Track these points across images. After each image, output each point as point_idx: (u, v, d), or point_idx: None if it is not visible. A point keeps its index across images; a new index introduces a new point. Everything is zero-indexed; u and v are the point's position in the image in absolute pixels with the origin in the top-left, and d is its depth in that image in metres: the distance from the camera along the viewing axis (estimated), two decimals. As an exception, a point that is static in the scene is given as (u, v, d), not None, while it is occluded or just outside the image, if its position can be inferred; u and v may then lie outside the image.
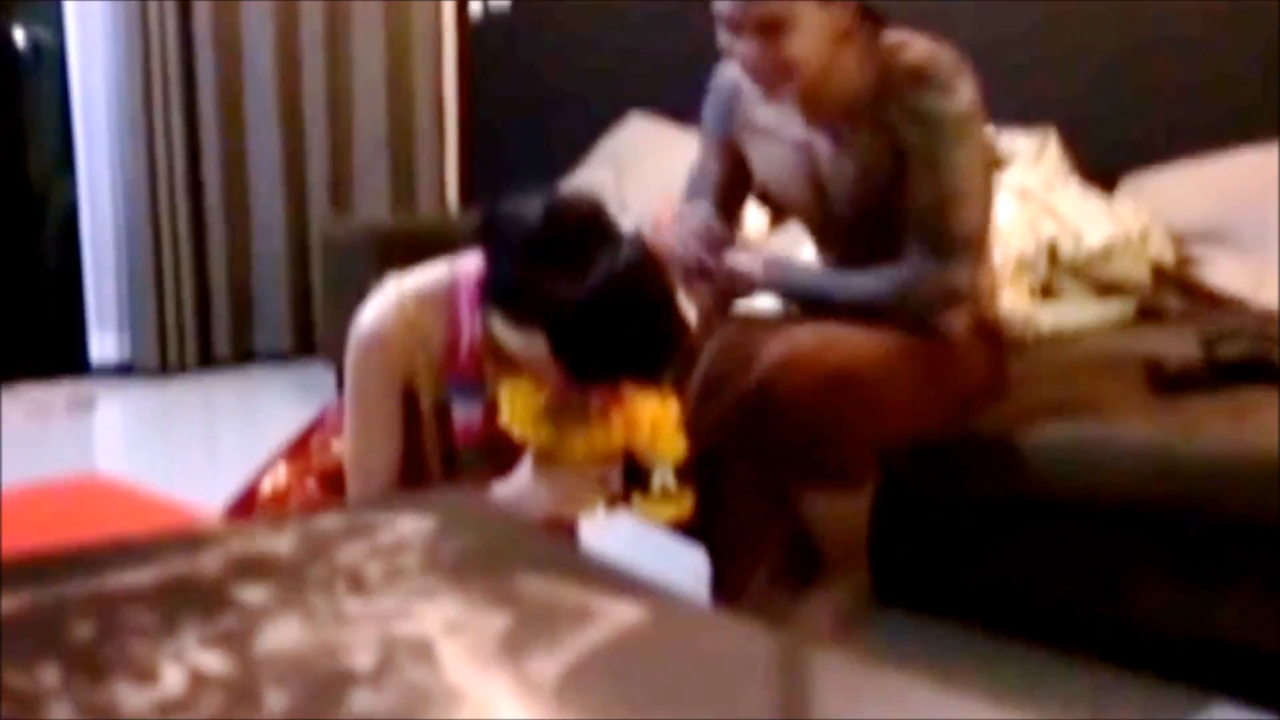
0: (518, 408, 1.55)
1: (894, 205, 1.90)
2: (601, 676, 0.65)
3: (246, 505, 1.84)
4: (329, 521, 0.86)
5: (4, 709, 0.59)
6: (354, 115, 4.52)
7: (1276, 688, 1.81)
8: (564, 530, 1.80)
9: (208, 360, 4.30)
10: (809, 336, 1.86)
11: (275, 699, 0.61)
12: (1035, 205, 2.71)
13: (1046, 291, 2.63)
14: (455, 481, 1.71)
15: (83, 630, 0.67)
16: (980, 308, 2.01)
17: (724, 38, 1.87)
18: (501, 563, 0.80)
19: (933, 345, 1.92)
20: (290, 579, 0.75)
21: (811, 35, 1.80)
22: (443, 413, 1.69)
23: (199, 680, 0.62)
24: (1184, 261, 2.74)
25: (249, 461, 1.91)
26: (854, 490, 1.86)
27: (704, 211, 2.04)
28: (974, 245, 1.91)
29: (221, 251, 4.29)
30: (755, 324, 2.03)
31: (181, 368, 4.20)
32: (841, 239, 2.03)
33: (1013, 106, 2.72)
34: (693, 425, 1.67)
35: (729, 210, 2.11)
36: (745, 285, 2.00)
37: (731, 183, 2.10)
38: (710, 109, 2.11)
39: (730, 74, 2.04)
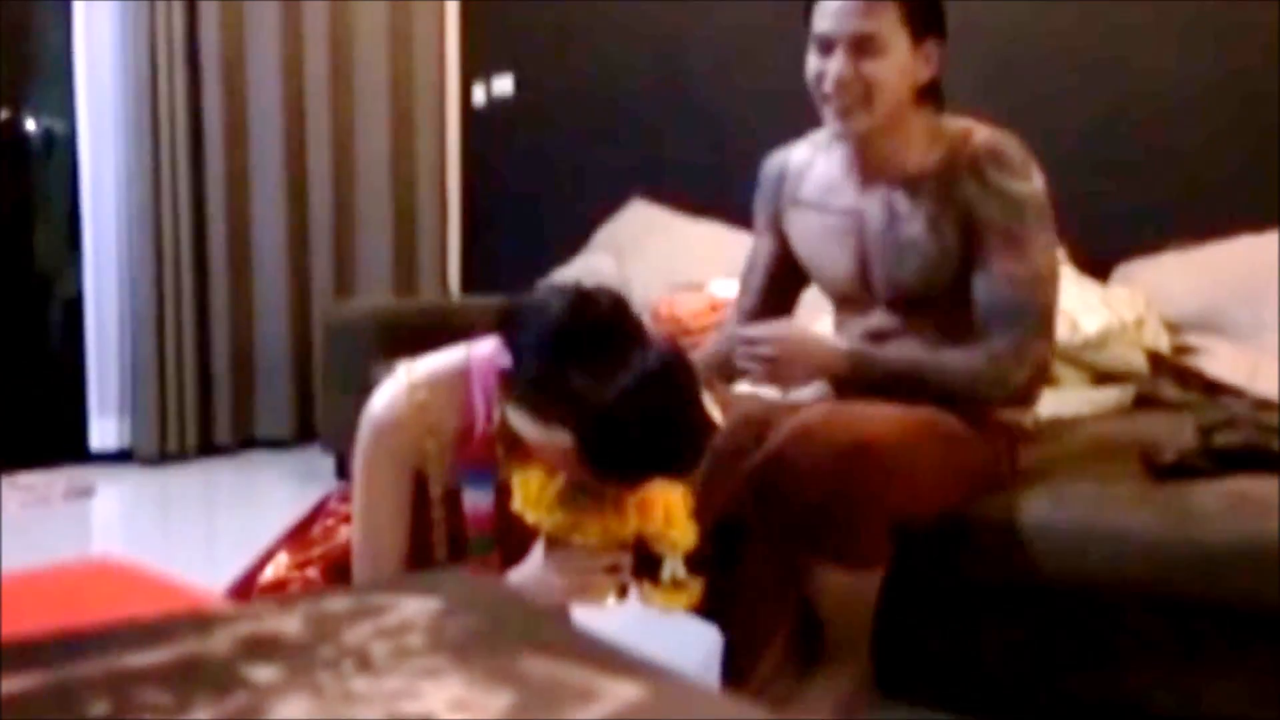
0: (531, 494, 1.55)
1: (944, 279, 1.95)
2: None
3: (244, 593, 1.83)
4: (336, 602, 0.87)
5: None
6: (357, 200, 4.59)
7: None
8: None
9: (208, 447, 4.30)
10: (826, 409, 1.88)
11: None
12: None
13: (1043, 379, 2.66)
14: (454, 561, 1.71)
15: (97, 709, 0.68)
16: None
17: (813, 62, 1.96)
18: (506, 642, 0.81)
19: (952, 428, 1.94)
20: (299, 659, 0.76)
21: (896, 66, 1.91)
22: (452, 499, 1.69)
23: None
24: (1180, 349, 2.76)
25: (247, 548, 1.90)
26: (865, 569, 1.85)
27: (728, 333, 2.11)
28: (1053, 324, 1.96)
29: (225, 338, 4.32)
30: (772, 401, 2.05)
31: (181, 455, 4.21)
32: (877, 310, 2.05)
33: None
34: (706, 497, 1.69)
35: (782, 292, 2.19)
36: (823, 376, 2.01)
37: (783, 264, 2.18)
38: (760, 197, 2.20)
39: (777, 159, 2.16)
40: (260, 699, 0.70)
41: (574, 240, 4.12)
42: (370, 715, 0.68)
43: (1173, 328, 2.80)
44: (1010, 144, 1.95)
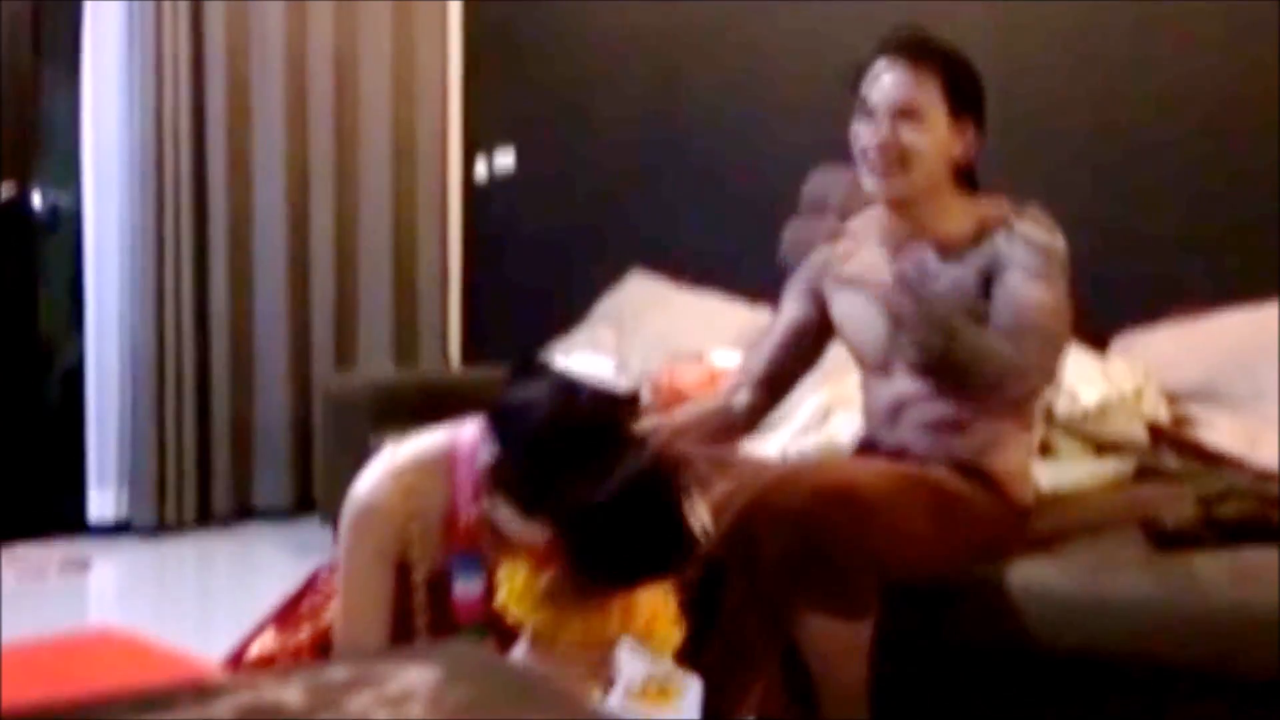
0: (515, 590, 1.55)
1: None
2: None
3: (235, 667, 1.81)
4: (336, 672, 0.87)
5: None
6: (359, 271, 4.62)
7: None
8: None
9: (206, 518, 4.28)
10: (815, 462, 1.89)
11: None
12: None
13: (1044, 450, 2.65)
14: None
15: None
16: (997, 464, 2.07)
17: (857, 126, 2.08)
18: (504, 712, 0.81)
19: (951, 491, 1.97)
20: (300, 729, 0.76)
21: (934, 136, 2.03)
22: (437, 585, 1.68)
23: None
24: (1179, 420, 2.76)
25: (244, 620, 1.89)
26: (851, 619, 1.84)
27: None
28: (1062, 355, 2.01)
29: (224, 408, 4.32)
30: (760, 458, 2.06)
31: (179, 525, 4.19)
32: (902, 375, 2.10)
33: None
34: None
35: (792, 359, 2.28)
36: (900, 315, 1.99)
37: (802, 332, 2.27)
38: (800, 273, 2.28)
39: (821, 254, 2.22)
40: (261, 769, 0.70)
41: (574, 312, 4.14)
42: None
43: (1172, 399, 2.80)
44: (1039, 209, 2.08)
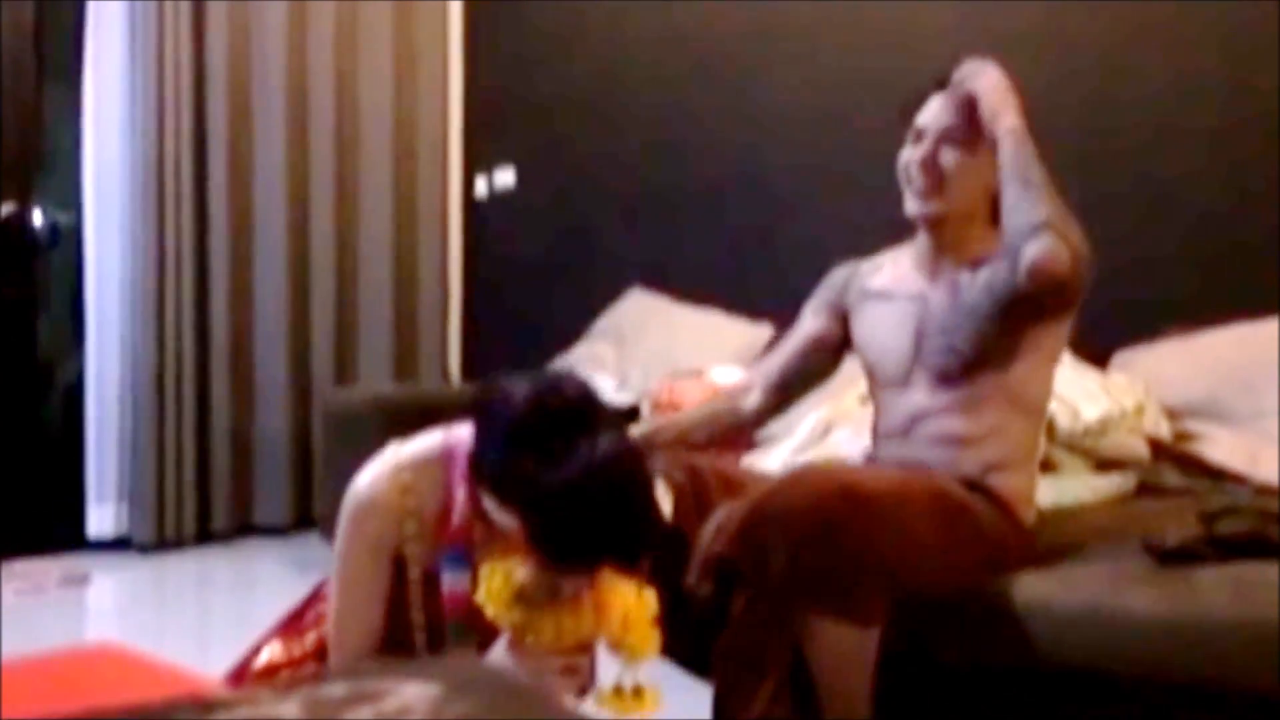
0: (492, 588, 1.55)
1: (992, 342, 2.07)
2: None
3: (239, 680, 1.82)
4: (335, 688, 0.87)
5: None
6: (359, 288, 4.62)
7: None
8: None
9: (205, 534, 4.28)
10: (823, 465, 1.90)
11: None
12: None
13: (1045, 467, 2.65)
14: (438, 653, 1.70)
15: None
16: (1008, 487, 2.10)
17: (906, 152, 2.17)
18: (507, 729, 0.81)
19: (961, 503, 1.99)
20: (298, 744, 0.75)
21: (973, 163, 2.11)
22: (431, 583, 1.70)
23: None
24: (1180, 436, 2.76)
25: (243, 636, 1.89)
26: (858, 624, 1.84)
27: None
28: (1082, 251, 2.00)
29: (224, 425, 4.32)
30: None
31: (179, 541, 4.18)
32: (921, 389, 2.14)
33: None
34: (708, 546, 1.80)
35: (804, 370, 2.32)
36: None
37: (817, 347, 2.32)
38: (823, 289, 2.36)
39: (849, 265, 2.35)
40: (259, 784, 0.69)
41: (574, 329, 4.14)
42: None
43: (1172, 414, 2.80)
44: None
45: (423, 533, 1.68)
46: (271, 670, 1.79)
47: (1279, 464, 2.55)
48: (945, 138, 2.13)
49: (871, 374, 2.28)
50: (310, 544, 4.02)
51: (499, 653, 1.60)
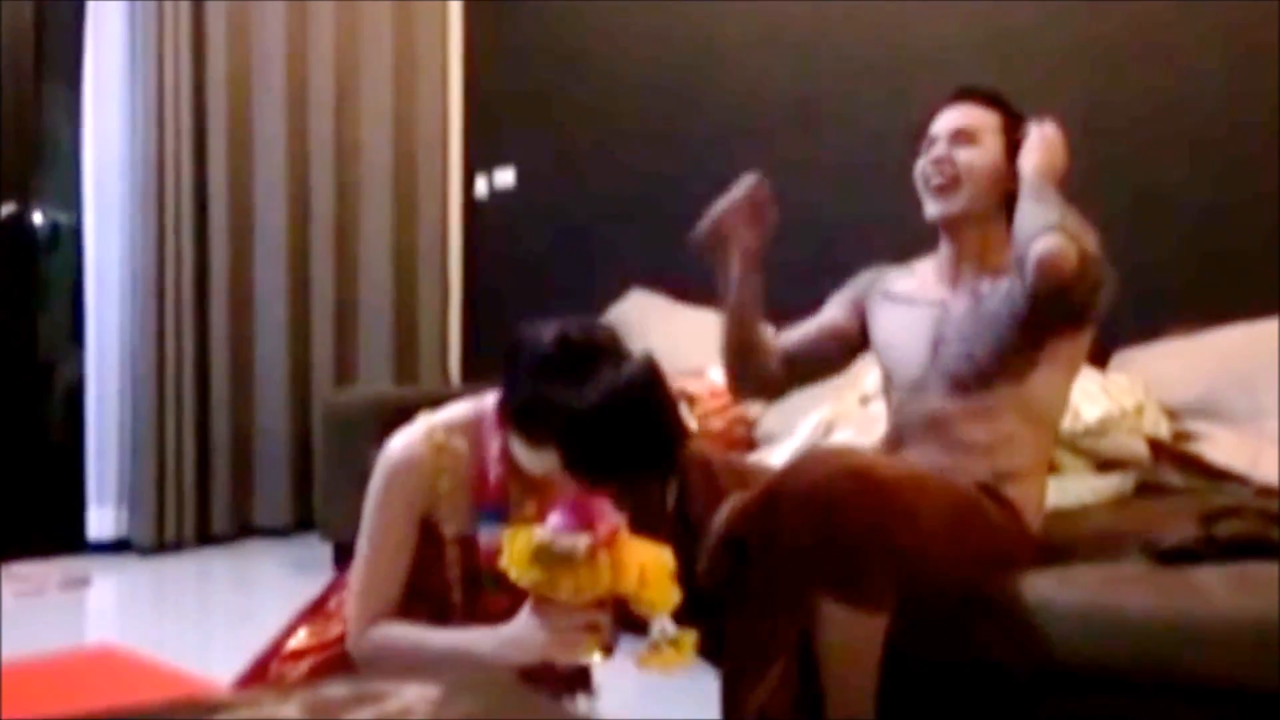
0: (514, 551, 1.60)
1: (1011, 350, 2.10)
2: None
3: (262, 670, 1.83)
4: (335, 689, 0.87)
5: None
6: (359, 290, 4.63)
7: None
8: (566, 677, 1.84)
9: (205, 536, 4.28)
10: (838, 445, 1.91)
11: None
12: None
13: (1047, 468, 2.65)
14: (477, 610, 1.74)
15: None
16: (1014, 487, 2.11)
17: (921, 161, 2.21)
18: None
19: (970, 499, 2.01)
20: (298, 746, 0.75)
21: (988, 159, 2.16)
22: (467, 543, 1.75)
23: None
24: (1180, 436, 2.76)
25: (244, 638, 1.90)
26: (866, 609, 1.85)
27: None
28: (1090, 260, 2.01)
29: (224, 426, 4.32)
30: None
31: (179, 544, 4.18)
32: (938, 395, 2.17)
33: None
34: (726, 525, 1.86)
35: (822, 348, 2.34)
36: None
37: (842, 328, 2.35)
38: (849, 285, 2.39)
39: (874, 269, 2.39)
40: (259, 786, 0.69)
41: (574, 329, 4.14)
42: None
43: (1172, 414, 2.80)
44: None
45: (457, 492, 1.74)
46: (299, 655, 1.82)
47: (1279, 464, 2.54)
48: (958, 138, 2.17)
49: (889, 377, 2.31)
50: (310, 545, 4.02)
51: (522, 616, 1.65)
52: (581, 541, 1.57)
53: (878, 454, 2.03)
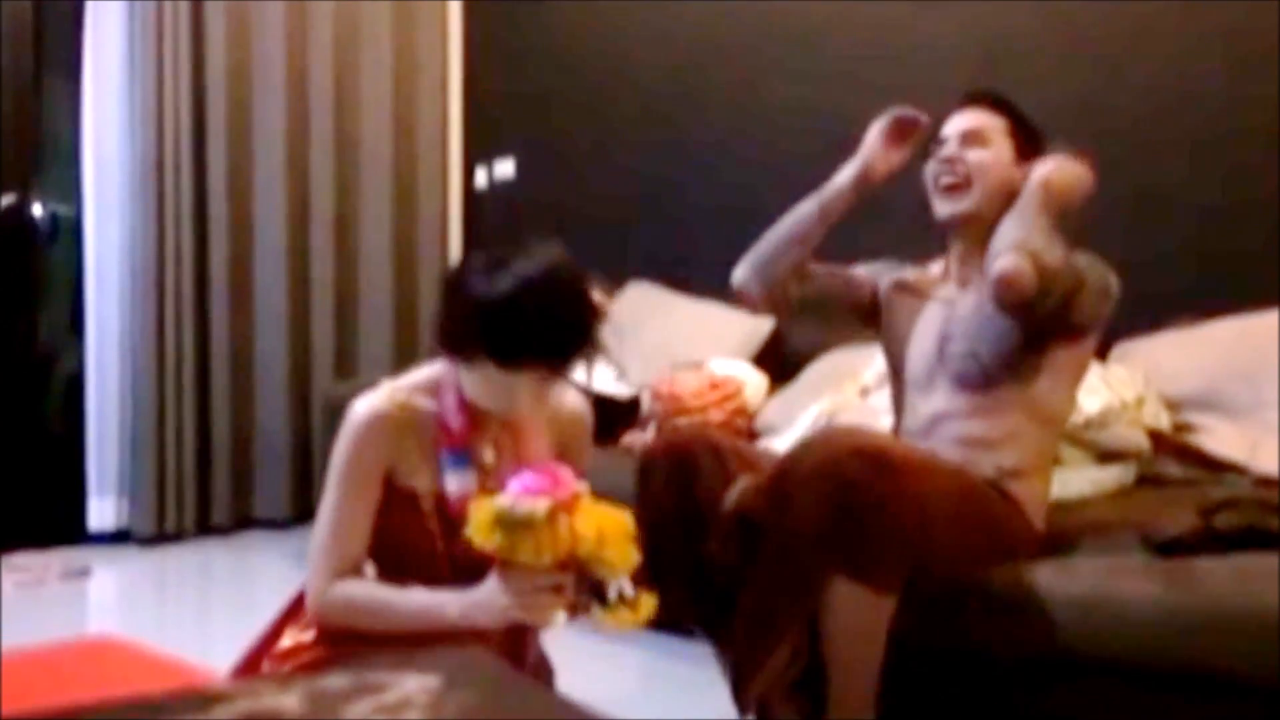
0: (478, 519, 1.65)
1: (1014, 350, 2.13)
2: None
3: (253, 666, 1.84)
4: (335, 680, 0.87)
5: None
6: (359, 282, 4.62)
7: None
8: (541, 671, 1.90)
9: (206, 527, 4.28)
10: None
11: None
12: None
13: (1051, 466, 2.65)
14: (460, 560, 1.76)
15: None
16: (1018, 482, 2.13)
17: (931, 162, 2.25)
18: (503, 718, 0.81)
19: (977, 488, 2.04)
20: (298, 736, 0.76)
21: (997, 160, 2.20)
22: (441, 497, 1.79)
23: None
24: (1180, 427, 2.76)
25: (243, 629, 1.90)
26: (874, 589, 1.85)
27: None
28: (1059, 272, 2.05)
29: (225, 418, 4.32)
30: None
31: (179, 535, 4.18)
32: (943, 392, 2.20)
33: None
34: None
35: (839, 288, 2.38)
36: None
37: (855, 285, 2.39)
38: (871, 266, 2.43)
39: (893, 264, 2.43)
40: (259, 776, 0.69)
41: (574, 321, 4.14)
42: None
43: (1172, 406, 2.80)
44: (1091, 255, 2.18)
45: (423, 446, 1.79)
46: (288, 655, 1.82)
47: (1279, 455, 2.55)
48: (969, 139, 2.21)
49: (896, 374, 2.33)
50: (310, 538, 4.01)
51: (491, 579, 1.69)
52: (540, 505, 1.62)
53: (897, 441, 2.06)
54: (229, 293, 4.32)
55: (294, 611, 1.89)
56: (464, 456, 1.80)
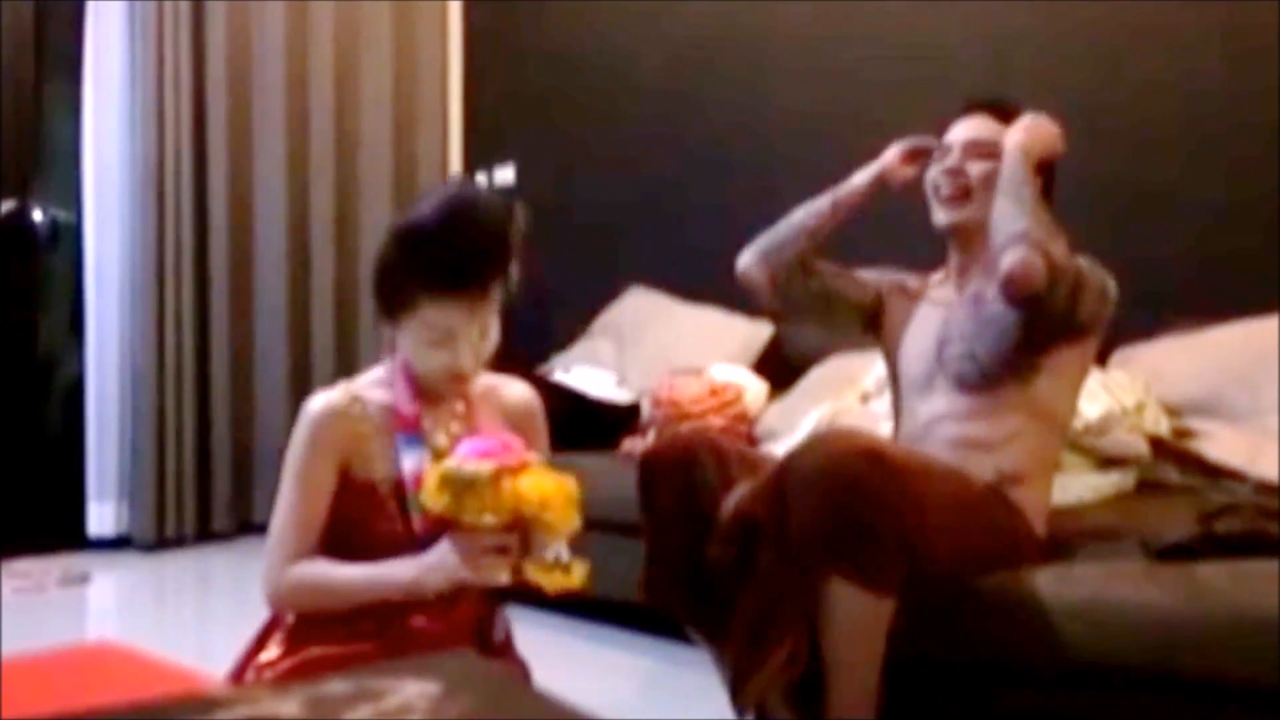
0: (427, 485, 1.71)
1: (1011, 351, 2.14)
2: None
3: (241, 672, 1.83)
4: (335, 686, 0.87)
5: None
6: (360, 288, 4.62)
7: None
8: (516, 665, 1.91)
9: (206, 533, 4.28)
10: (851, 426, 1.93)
11: None
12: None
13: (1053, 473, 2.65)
14: (422, 534, 1.79)
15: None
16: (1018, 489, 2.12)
17: (933, 171, 2.26)
18: (507, 727, 0.80)
19: (978, 490, 2.04)
20: (298, 742, 0.75)
21: (994, 174, 2.17)
22: (399, 484, 1.81)
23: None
24: (1180, 433, 2.76)
25: (243, 635, 1.89)
26: (874, 588, 1.85)
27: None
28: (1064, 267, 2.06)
29: (225, 424, 4.33)
30: None
31: (179, 541, 4.18)
32: (942, 394, 2.21)
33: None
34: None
35: (844, 285, 2.39)
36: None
37: (860, 286, 2.40)
38: (875, 269, 2.45)
39: (893, 269, 2.44)
40: (259, 783, 0.69)
41: (574, 326, 4.14)
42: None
43: (1172, 412, 2.80)
44: (1091, 261, 2.17)
45: (378, 435, 1.82)
46: (273, 665, 1.81)
47: (1279, 461, 2.54)
48: (972, 150, 2.22)
49: (896, 378, 2.34)
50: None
51: (444, 543, 1.73)
52: (485, 466, 1.67)
53: (896, 444, 2.07)
54: (229, 294, 4.33)
55: (276, 623, 1.89)
56: (418, 438, 1.84)
